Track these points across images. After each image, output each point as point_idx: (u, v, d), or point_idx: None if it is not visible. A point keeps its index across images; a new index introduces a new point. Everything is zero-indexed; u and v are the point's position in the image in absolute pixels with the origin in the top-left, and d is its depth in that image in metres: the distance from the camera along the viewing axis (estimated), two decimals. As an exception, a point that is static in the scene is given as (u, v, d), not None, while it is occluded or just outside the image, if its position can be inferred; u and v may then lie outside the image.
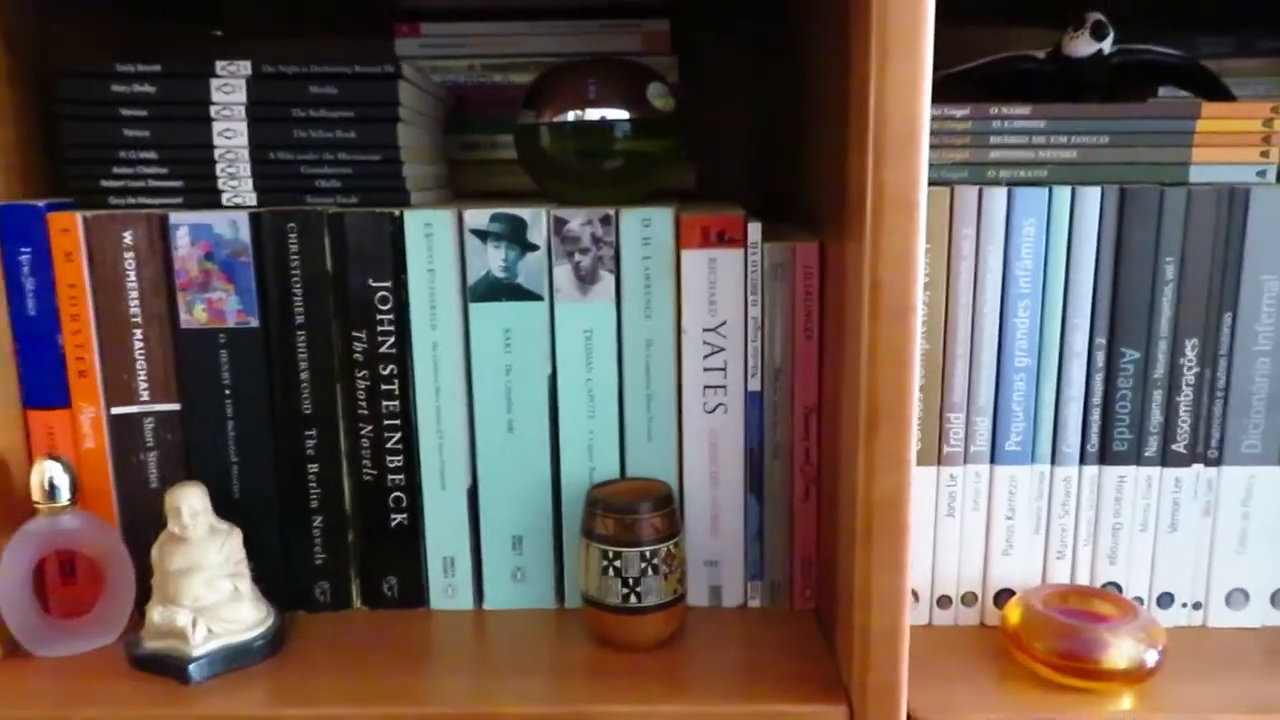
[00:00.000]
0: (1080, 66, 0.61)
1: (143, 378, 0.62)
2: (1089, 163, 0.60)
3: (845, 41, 0.53)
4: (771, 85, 0.84)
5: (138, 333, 0.62)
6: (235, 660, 0.59)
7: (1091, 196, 0.58)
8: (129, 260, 0.61)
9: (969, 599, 0.63)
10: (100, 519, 0.61)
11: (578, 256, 0.61)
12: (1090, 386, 0.61)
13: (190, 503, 0.59)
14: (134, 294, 0.61)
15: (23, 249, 0.60)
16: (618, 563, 0.59)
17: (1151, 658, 0.56)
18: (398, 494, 0.64)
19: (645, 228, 0.61)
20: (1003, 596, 0.63)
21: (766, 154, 0.86)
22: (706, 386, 0.63)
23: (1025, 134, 0.59)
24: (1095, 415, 0.61)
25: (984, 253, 0.59)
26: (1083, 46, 0.60)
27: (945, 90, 0.54)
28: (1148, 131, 0.59)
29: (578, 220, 0.61)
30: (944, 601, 0.63)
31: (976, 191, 0.58)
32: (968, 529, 0.62)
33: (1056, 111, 0.59)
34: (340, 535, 0.65)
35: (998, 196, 0.58)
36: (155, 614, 0.59)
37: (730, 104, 0.88)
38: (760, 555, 0.65)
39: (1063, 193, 0.58)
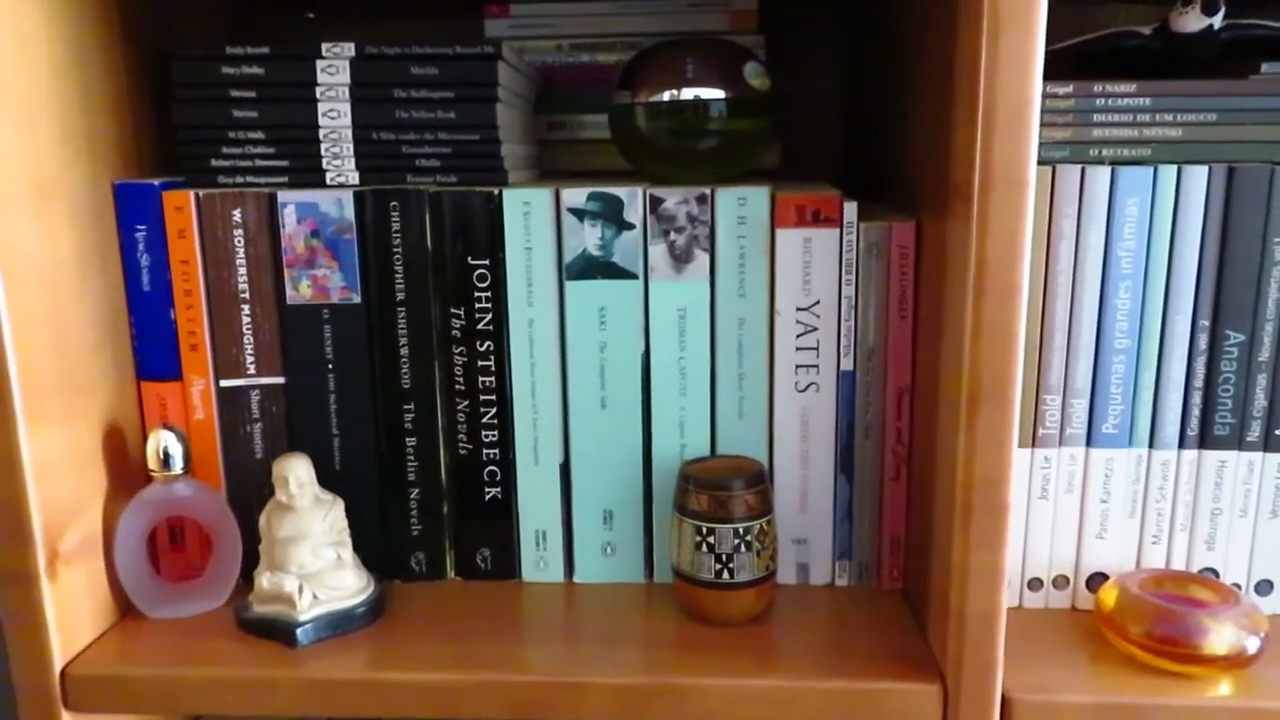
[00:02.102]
0: (1188, 42, 0.59)
1: (250, 352, 0.64)
2: (1195, 141, 0.58)
3: (951, 16, 0.52)
4: (858, 63, 0.83)
5: (245, 308, 0.64)
6: (339, 626, 0.61)
7: (1198, 176, 0.57)
8: (238, 237, 0.63)
9: (1060, 582, 0.63)
10: (210, 487, 0.64)
11: (673, 235, 0.62)
12: (1192, 369, 0.60)
13: (297, 473, 0.61)
14: (242, 270, 0.63)
15: (139, 226, 0.62)
16: (711, 538, 0.59)
17: (1253, 644, 0.55)
18: (492, 468, 0.66)
19: (741, 206, 0.61)
20: (1095, 580, 0.63)
21: (852, 132, 0.85)
22: (799, 366, 0.63)
23: (1129, 112, 0.58)
24: (1196, 398, 0.60)
25: (1085, 233, 0.58)
26: (1192, 22, 0.58)
27: (1047, 67, 0.53)
28: (1258, 109, 0.58)
29: (674, 199, 0.61)
30: (1035, 584, 0.63)
31: (1079, 171, 0.57)
32: (1061, 512, 0.62)
33: (1162, 89, 0.58)
34: (436, 507, 0.66)
35: (1100, 176, 0.57)
36: (264, 580, 0.61)
37: (815, 82, 0.87)
38: (849, 534, 0.66)
39: (1168, 172, 0.57)
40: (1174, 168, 0.57)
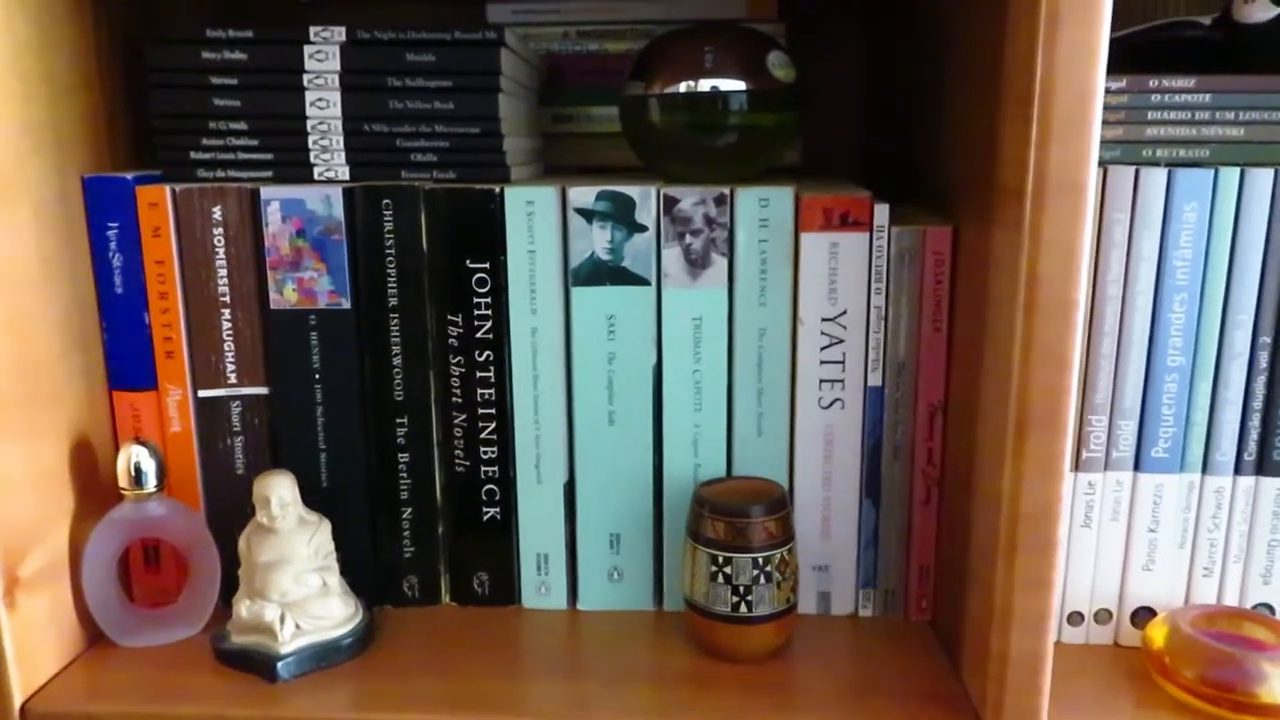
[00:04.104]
0: (1253, 34, 0.55)
1: (230, 360, 0.60)
2: (1259, 141, 0.54)
3: (1001, 5, 0.47)
4: (881, 52, 0.78)
5: (226, 313, 0.59)
6: (323, 658, 0.56)
7: (1262, 179, 0.53)
8: (218, 237, 0.58)
9: (1103, 616, 0.59)
10: (187, 506, 0.59)
11: (689, 238, 0.57)
12: (1250, 389, 0.55)
13: (280, 493, 0.56)
14: (223, 272, 0.59)
15: (110, 224, 0.58)
16: (728, 569, 0.55)
17: (1318, 691, 0.51)
18: (491, 487, 0.61)
19: (762, 208, 0.56)
20: (1141, 615, 0.58)
21: (877, 129, 0.80)
22: (823, 380, 0.59)
23: (1188, 109, 0.54)
24: (1254, 421, 0.56)
25: (1137, 240, 0.54)
26: (1258, 11, 0.54)
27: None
28: (1328, 107, 0.53)
29: (690, 199, 0.57)
30: (1075, 618, 0.59)
31: (1132, 172, 0.53)
32: (1105, 541, 0.57)
33: (1224, 84, 0.54)
34: (430, 528, 0.62)
35: (1156, 178, 0.53)
36: (243, 608, 0.56)
37: (839, 75, 0.83)
38: (874, 562, 0.61)
39: (1229, 174, 0.53)
40: (1236, 170, 0.53)
